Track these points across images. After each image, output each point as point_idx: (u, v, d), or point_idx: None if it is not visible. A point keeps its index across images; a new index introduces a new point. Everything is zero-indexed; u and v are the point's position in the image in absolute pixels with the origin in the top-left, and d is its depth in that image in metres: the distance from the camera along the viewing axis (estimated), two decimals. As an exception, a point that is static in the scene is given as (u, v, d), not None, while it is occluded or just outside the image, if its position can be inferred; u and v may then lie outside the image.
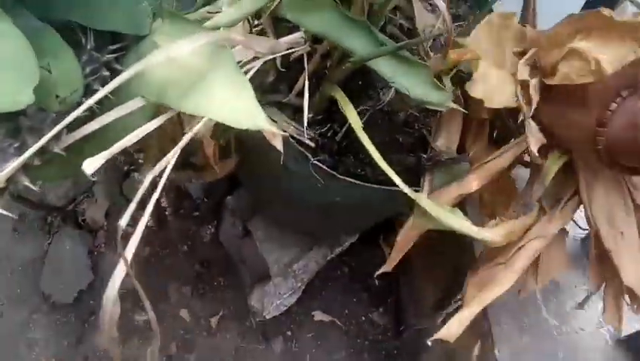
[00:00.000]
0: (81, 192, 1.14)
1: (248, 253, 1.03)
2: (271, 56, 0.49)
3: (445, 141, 0.61)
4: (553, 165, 0.57)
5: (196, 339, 1.09)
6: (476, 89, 0.54)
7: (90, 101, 0.36)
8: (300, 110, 0.67)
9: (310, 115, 0.66)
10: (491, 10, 0.69)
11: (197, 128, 0.41)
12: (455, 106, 0.51)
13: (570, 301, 0.88)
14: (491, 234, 0.56)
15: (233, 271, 1.13)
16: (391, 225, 0.95)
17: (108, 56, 0.46)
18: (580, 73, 0.48)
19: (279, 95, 0.68)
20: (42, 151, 0.38)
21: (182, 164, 0.84)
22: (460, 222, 0.55)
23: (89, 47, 0.45)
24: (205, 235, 1.18)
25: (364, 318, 1.16)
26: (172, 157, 0.41)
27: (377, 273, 0.61)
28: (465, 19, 0.75)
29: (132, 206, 0.38)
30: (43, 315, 1.08)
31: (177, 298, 1.12)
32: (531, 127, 0.51)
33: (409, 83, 0.51)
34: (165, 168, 0.40)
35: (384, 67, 0.52)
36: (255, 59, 0.48)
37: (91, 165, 0.37)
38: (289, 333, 1.11)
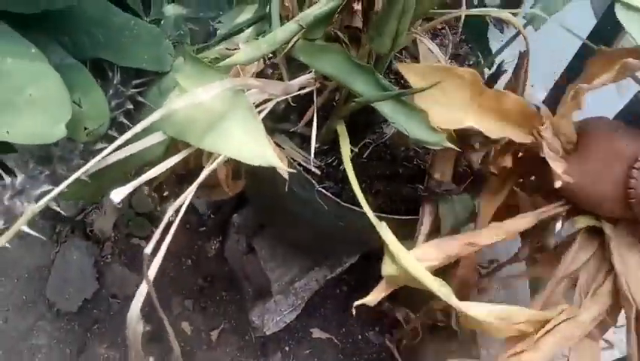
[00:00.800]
0: (91, 204, 1.17)
1: (250, 269, 1.06)
2: (283, 97, 0.53)
3: (440, 174, 0.64)
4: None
5: (196, 352, 1.12)
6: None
7: (119, 140, 0.40)
8: (308, 139, 0.70)
9: (317, 145, 0.69)
10: (490, 52, 0.73)
11: (213, 166, 0.45)
12: (449, 145, 0.54)
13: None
14: (481, 312, 0.53)
15: (236, 287, 1.16)
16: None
17: (132, 90, 0.49)
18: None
19: (289, 124, 0.71)
20: (61, 176, 0.41)
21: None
22: (436, 285, 0.53)
23: (115, 81, 0.48)
24: (209, 250, 1.21)
25: (360, 337, 1.19)
26: (191, 192, 0.44)
27: (357, 304, 0.60)
28: (466, 59, 0.78)
29: (157, 233, 0.42)
30: (47, 322, 1.11)
31: (179, 311, 1.15)
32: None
33: (408, 124, 0.54)
34: (184, 201, 0.44)
35: (386, 108, 0.56)
36: (267, 100, 0.52)
37: (118, 195, 0.40)
38: (287, 349, 1.14)
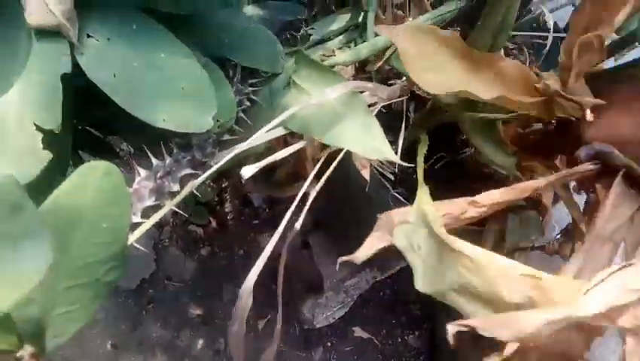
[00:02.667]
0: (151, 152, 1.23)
1: (303, 265, 1.10)
2: (388, 101, 0.57)
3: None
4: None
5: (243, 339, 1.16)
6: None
7: (258, 135, 0.44)
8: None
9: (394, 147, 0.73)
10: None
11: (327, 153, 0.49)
12: (518, 174, 0.58)
13: None
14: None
15: (285, 279, 1.20)
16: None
17: (249, 88, 0.54)
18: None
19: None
20: (203, 163, 0.46)
21: (264, 178, 0.92)
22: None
23: (235, 80, 0.53)
24: (262, 242, 1.25)
25: (400, 340, 1.22)
26: (315, 185, 0.48)
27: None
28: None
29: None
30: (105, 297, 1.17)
31: (229, 298, 1.19)
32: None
33: (484, 143, 0.58)
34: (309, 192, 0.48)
35: (469, 129, 0.59)
36: (374, 103, 0.56)
37: (248, 171, 0.45)
38: (329, 344, 1.18)
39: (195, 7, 0.46)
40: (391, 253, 1.05)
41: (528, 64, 0.82)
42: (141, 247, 0.46)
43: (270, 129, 0.46)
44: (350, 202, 0.82)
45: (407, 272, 1.15)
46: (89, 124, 0.58)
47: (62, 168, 0.46)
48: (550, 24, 0.77)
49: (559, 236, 0.75)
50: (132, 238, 0.39)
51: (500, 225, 0.68)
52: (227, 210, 1.23)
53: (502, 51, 0.74)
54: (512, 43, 0.88)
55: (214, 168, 0.43)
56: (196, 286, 1.21)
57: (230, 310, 1.20)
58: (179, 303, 1.18)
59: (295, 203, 0.62)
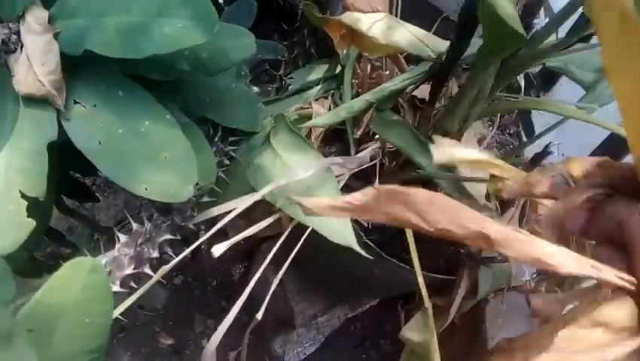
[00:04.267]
0: (130, 215, 1.23)
1: (276, 299, 1.11)
2: (357, 168, 0.59)
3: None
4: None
5: (213, 370, 1.17)
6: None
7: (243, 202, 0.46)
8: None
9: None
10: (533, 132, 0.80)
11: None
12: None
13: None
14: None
15: (256, 312, 1.21)
16: (414, 293, 1.04)
17: (228, 147, 0.56)
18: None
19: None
20: (182, 227, 0.47)
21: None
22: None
23: (216, 139, 0.55)
24: (235, 274, 1.26)
25: (370, 372, 1.24)
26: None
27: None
28: (507, 128, 0.85)
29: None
30: None
31: (201, 329, 1.20)
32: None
33: (465, 202, 0.61)
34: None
35: (446, 185, 0.62)
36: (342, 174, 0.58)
37: (218, 250, 0.46)
38: (300, 379, 1.19)
39: (181, 74, 0.48)
40: (361, 291, 1.08)
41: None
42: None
43: (247, 204, 0.48)
44: (324, 244, 0.84)
45: (377, 310, 1.18)
46: (73, 169, 0.59)
47: (42, 225, 0.47)
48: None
49: (534, 275, 0.78)
50: (116, 312, 0.40)
51: (471, 277, 0.71)
52: (201, 245, 1.24)
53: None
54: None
55: (195, 244, 0.45)
56: (168, 315, 1.21)
57: (200, 341, 1.21)
58: (151, 332, 1.18)
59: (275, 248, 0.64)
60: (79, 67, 0.45)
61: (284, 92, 0.76)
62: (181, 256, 0.45)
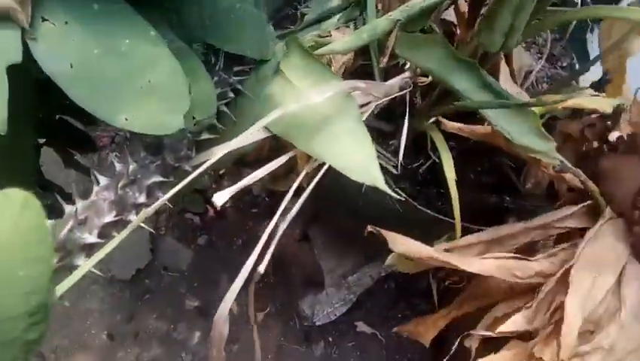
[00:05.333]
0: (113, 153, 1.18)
1: (302, 257, 1.05)
2: (384, 99, 0.51)
3: (533, 187, 0.61)
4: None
5: (241, 332, 1.12)
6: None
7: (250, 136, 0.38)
8: (385, 134, 0.68)
9: (395, 144, 0.67)
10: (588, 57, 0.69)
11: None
12: (559, 157, 0.51)
13: None
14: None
15: (284, 272, 1.16)
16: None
17: (234, 77, 0.48)
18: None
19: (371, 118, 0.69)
20: (176, 168, 0.40)
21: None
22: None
23: (217, 68, 0.47)
24: (260, 232, 1.20)
25: (405, 335, 1.17)
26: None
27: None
28: (559, 60, 0.75)
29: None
30: (100, 288, 1.13)
31: (227, 290, 1.15)
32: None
33: (514, 129, 0.51)
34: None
35: (491, 113, 0.53)
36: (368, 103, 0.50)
37: (220, 198, 0.39)
38: (330, 339, 1.13)
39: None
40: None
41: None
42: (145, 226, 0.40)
43: (250, 133, 0.40)
44: (349, 196, 0.77)
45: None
46: (64, 111, 0.52)
47: (27, 168, 0.40)
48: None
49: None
50: (87, 265, 0.34)
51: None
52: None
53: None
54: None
55: (188, 179, 0.38)
56: (194, 276, 1.16)
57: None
58: (176, 294, 1.13)
59: (289, 196, 0.56)
60: (45, -23, 0.38)
61: (300, 23, 0.67)
62: (165, 198, 0.38)
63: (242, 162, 0.89)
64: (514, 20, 0.45)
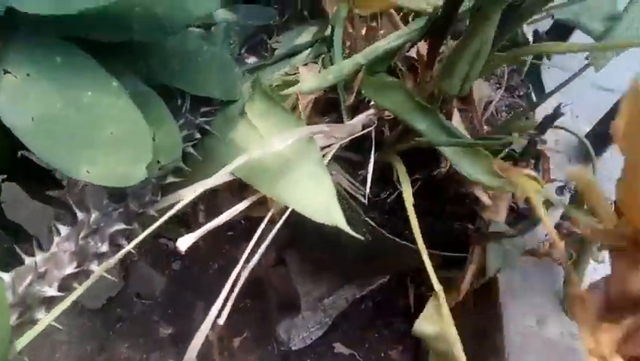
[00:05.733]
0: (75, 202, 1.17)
1: (278, 282, 1.05)
2: (348, 138, 0.52)
3: (493, 215, 0.63)
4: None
5: (217, 358, 1.11)
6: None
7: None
8: (355, 164, 0.69)
9: (363, 174, 0.68)
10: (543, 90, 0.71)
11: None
12: (511, 190, 0.53)
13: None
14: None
15: (261, 296, 1.16)
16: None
17: (200, 118, 0.48)
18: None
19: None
20: (140, 214, 0.40)
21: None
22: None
23: (184, 110, 0.47)
24: (237, 255, 1.20)
25: (383, 354, 1.18)
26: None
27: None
28: (517, 89, 0.77)
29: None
30: (69, 318, 1.11)
31: (202, 317, 1.14)
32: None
33: (472, 170, 0.53)
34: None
35: (449, 151, 0.54)
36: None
37: (184, 243, 0.39)
38: (309, 362, 1.13)
39: (130, 35, 0.40)
40: (367, 270, 1.01)
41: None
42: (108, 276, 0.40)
43: (215, 178, 0.41)
44: (320, 225, 0.77)
45: (388, 286, 1.12)
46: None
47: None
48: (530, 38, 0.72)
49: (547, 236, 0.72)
50: (47, 319, 0.34)
51: (482, 253, 0.64)
52: (200, 222, 1.18)
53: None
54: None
55: (152, 228, 0.38)
56: (167, 303, 1.15)
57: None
58: (149, 322, 1.12)
59: (263, 225, 0.56)
60: (8, 30, 0.38)
61: (271, 58, 0.68)
62: (127, 248, 0.38)
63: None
64: (471, 68, 0.46)
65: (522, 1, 0.46)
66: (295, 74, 0.61)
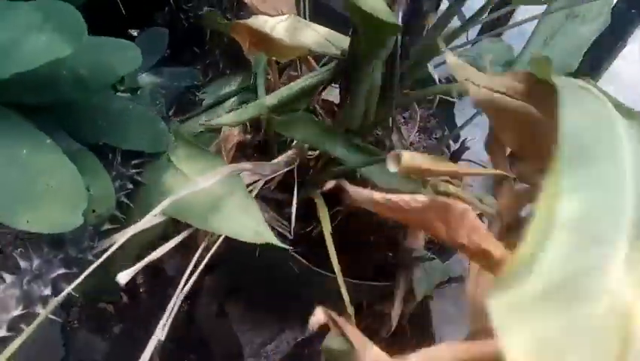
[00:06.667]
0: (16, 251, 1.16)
1: (221, 332, 1.07)
2: (272, 175, 0.57)
3: (413, 242, 0.69)
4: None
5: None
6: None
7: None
8: (282, 203, 0.74)
9: (289, 210, 0.74)
10: (455, 125, 0.80)
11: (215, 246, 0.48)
12: (426, 192, 0.59)
13: None
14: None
15: (204, 350, 1.16)
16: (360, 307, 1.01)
17: (131, 170, 0.52)
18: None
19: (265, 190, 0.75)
20: (79, 259, 0.44)
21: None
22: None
23: (115, 163, 0.51)
24: (177, 312, 1.21)
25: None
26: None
27: None
28: (433, 132, 0.85)
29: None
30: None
31: (147, 376, 1.13)
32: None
33: (384, 178, 0.59)
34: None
35: (365, 171, 0.61)
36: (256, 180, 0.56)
37: (124, 277, 0.43)
38: (257, 411, 1.13)
39: (58, 96, 0.44)
40: (304, 310, 1.05)
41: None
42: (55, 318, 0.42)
43: (147, 219, 0.45)
44: (256, 268, 0.81)
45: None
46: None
47: None
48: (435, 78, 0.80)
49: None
50: (6, 353, 0.36)
51: (407, 279, 0.69)
52: (138, 282, 1.18)
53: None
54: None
55: (91, 268, 0.41)
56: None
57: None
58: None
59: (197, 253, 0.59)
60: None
61: (198, 109, 0.74)
62: (69, 288, 0.41)
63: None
64: (368, 105, 0.53)
65: (404, 55, 0.54)
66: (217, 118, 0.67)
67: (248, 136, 0.74)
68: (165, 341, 1.16)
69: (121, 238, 0.46)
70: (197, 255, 0.51)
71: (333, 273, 0.71)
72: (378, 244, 0.75)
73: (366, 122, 0.56)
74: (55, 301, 0.40)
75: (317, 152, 0.71)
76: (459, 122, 0.87)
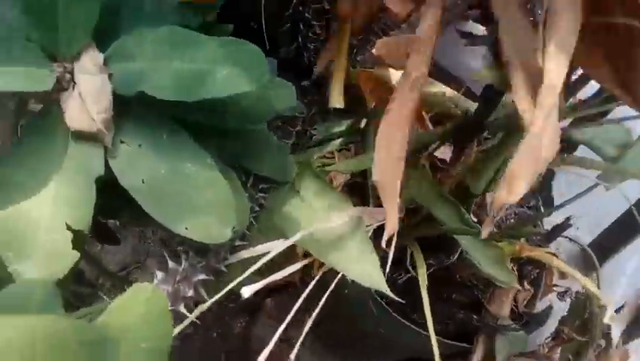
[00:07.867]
0: (135, 262, 1.22)
1: (277, 358, 1.09)
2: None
3: (498, 309, 0.70)
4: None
5: None
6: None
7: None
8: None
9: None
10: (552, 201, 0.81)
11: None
12: (518, 286, 0.61)
13: None
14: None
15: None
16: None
17: (259, 194, 0.57)
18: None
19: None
20: (211, 267, 0.48)
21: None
22: None
23: (248, 186, 0.56)
24: (235, 327, 1.24)
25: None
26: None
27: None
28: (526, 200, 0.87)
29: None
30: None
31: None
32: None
33: (483, 260, 0.61)
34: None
35: (464, 240, 0.63)
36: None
37: (248, 290, 0.46)
38: None
39: (222, 121, 0.49)
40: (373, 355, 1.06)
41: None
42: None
43: (280, 248, 0.49)
44: (339, 311, 0.84)
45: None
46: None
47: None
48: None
49: (548, 340, 0.78)
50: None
51: (486, 344, 0.71)
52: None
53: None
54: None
55: (234, 283, 0.45)
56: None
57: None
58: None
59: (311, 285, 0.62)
60: (128, 108, 0.47)
61: (308, 143, 0.78)
62: (218, 296, 0.45)
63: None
64: (496, 174, 0.56)
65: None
66: (332, 157, 0.71)
67: (351, 178, 0.78)
68: (222, 354, 1.19)
69: (248, 253, 0.50)
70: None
71: (414, 322, 0.73)
72: (460, 303, 0.76)
73: (488, 189, 0.58)
74: (203, 307, 0.44)
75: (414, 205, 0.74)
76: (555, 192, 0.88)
